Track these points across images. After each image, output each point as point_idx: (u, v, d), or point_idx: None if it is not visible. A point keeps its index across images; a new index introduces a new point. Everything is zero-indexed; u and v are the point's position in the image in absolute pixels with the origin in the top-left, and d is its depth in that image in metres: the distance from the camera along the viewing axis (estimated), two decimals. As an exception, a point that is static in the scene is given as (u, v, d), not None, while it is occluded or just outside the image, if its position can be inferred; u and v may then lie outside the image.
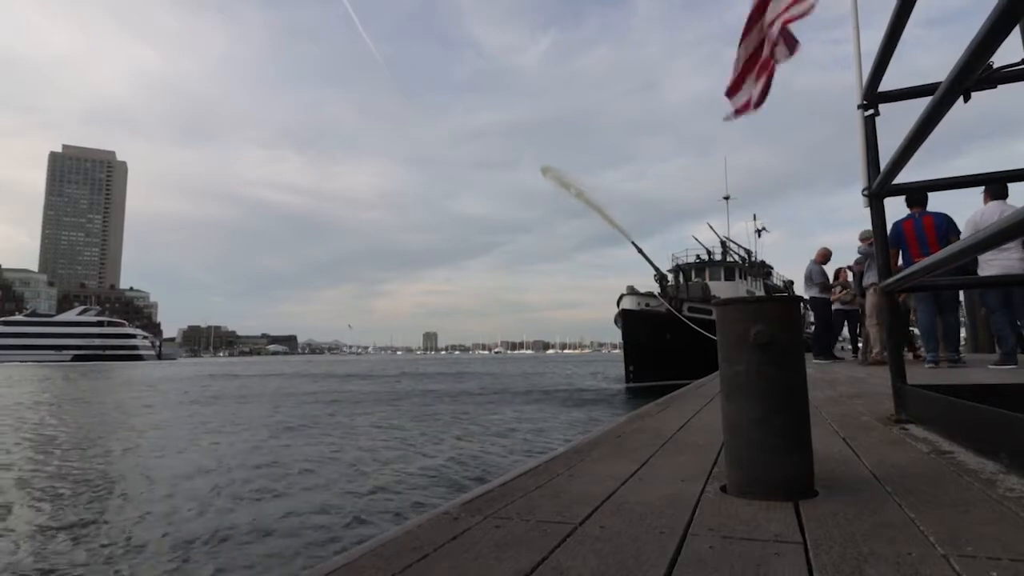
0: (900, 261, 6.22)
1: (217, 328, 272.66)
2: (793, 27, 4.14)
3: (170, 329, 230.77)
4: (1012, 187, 5.81)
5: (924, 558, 1.01)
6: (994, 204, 5.78)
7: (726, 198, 36.42)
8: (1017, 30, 1.89)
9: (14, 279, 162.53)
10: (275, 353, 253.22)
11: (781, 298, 1.56)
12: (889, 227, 6.53)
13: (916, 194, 6.27)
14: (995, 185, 5.82)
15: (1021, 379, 3.94)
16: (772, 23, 4.15)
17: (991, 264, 5.77)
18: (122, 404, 15.96)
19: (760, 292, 26.98)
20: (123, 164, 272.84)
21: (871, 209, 2.54)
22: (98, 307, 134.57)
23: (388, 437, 9.00)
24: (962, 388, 2.35)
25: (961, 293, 7.99)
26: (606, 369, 34.31)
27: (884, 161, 2.32)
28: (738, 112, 4.81)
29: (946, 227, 6.10)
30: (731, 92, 4.80)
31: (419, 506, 4.82)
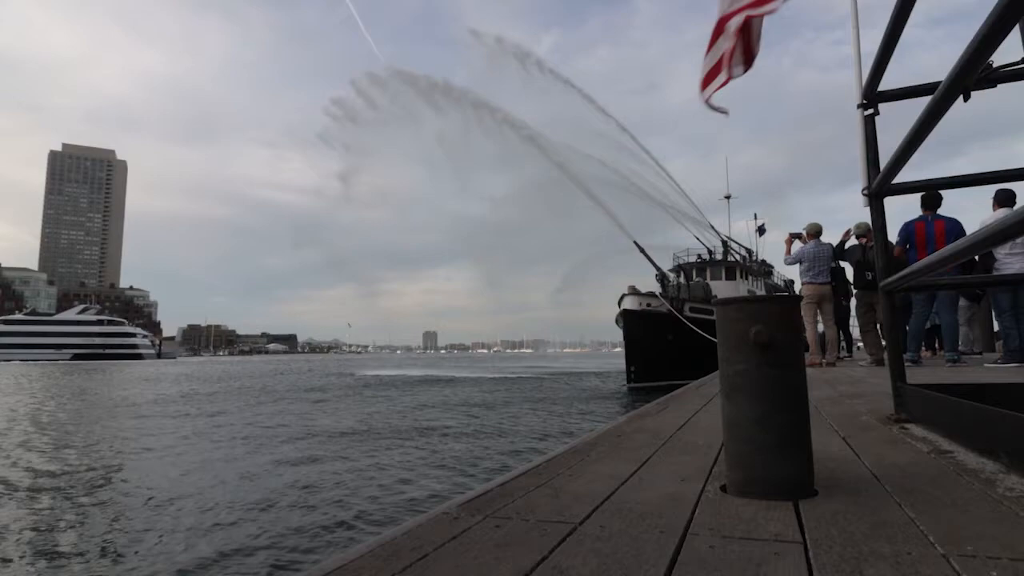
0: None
1: (217, 327, 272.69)
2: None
3: (170, 328, 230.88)
4: (1011, 188, 5.84)
5: (924, 557, 1.01)
6: (1002, 212, 5.83)
7: (727, 197, 36.44)
8: (1017, 29, 1.89)
9: (14, 278, 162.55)
10: (275, 352, 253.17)
11: (781, 298, 1.56)
12: (900, 226, 6.63)
13: (932, 197, 6.35)
14: (1003, 193, 5.90)
15: (1021, 379, 3.94)
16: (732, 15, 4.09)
17: (1009, 266, 5.88)
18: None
19: (761, 292, 26.98)
20: (123, 163, 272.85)
21: (871, 209, 2.54)
22: (98, 306, 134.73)
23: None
24: (962, 388, 2.35)
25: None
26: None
27: (884, 160, 2.32)
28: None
29: (957, 233, 6.17)
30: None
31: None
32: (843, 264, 8.66)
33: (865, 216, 2.60)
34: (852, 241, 8.41)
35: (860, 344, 10.19)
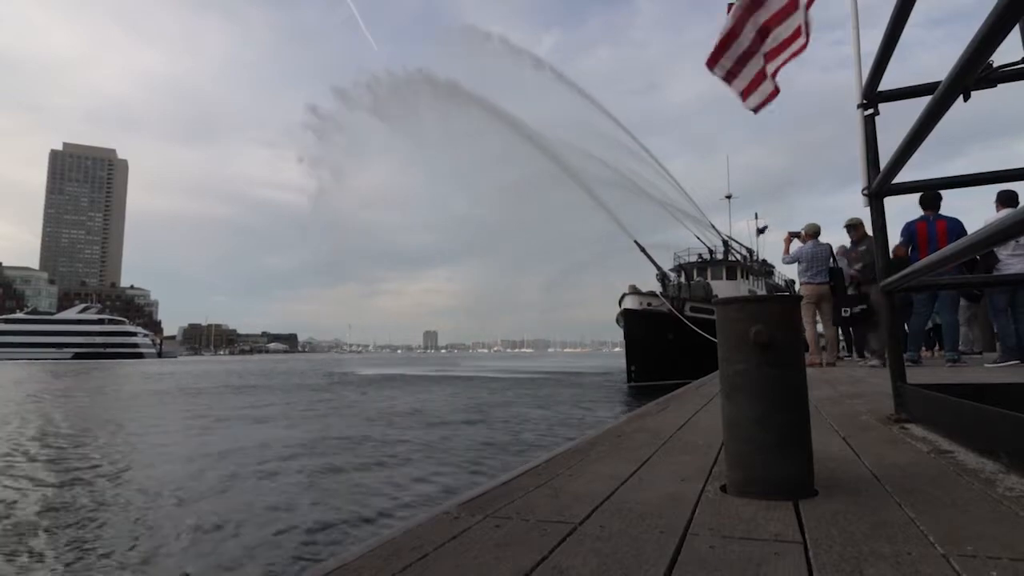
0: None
1: (218, 326, 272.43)
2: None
3: (171, 327, 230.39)
4: (1012, 187, 5.85)
5: (924, 557, 1.01)
6: (1005, 212, 5.84)
7: (728, 197, 36.43)
8: (1017, 29, 1.89)
9: (15, 277, 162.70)
10: (276, 352, 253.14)
11: (781, 298, 1.56)
12: (902, 226, 6.60)
13: (931, 197, 6.34)
14: (1006, 194, 5.91)
15: (1021, 379, 3.94)
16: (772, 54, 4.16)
17: (1011, 266, 5.90)
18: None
19: (762, 292, 26.96)
20: (124, 162, 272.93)
21: (871, 209, 2.54)
22: (99, 305, 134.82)
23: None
24: (962, 388, 2.35)
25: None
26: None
27: (884, 161, 2.32)
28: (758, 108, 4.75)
29: (958, 233, 6.17)
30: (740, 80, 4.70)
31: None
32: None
33: (866, 216, 2.60)
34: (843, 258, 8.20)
35: None
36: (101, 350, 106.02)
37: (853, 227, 7.59)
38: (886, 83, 2.41)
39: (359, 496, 5.33)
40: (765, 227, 33.93)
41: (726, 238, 28.34)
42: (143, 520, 4.74)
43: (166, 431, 10.12)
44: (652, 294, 20.62)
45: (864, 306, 7.15)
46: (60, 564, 3.87)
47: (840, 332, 9.59)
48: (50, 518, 4.90)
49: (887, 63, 2.31)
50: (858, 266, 7.34)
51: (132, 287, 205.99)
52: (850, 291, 7.46)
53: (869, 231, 5.34)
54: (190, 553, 3.99)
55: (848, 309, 7.33)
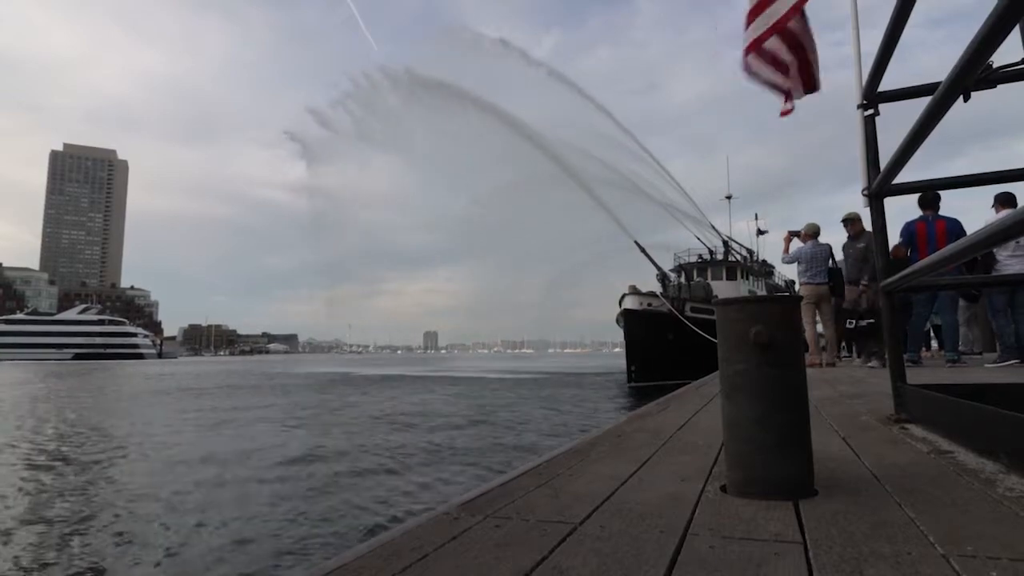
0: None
1: (218, 327, 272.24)
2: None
3: (171, 328, 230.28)
4: (1012, 187, 5.86)
5: (924, 557, 1.01)
6: (1004, 214, 5.84)
7: (728, 198, 36.45)
8: (1017, 29, 1.89)
9: (15, 277, 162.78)
10: (276, 352, 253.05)
11: (781, 298, 1.56)
12: (901, 226, 6.57)
13: (929, 196, 6.33)
14: (1003, 195, 5.91)
15: (1021, 379, 3.94)
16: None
17: (1010, 267, 5.91)
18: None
19: (762, 292, 26.96)
20: (124, 163, 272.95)
21: (871, 209, 2.54)
22: (99, 306, 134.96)
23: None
24: (962, 388, 2.35)
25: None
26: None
27: (884, 161, 2.32)
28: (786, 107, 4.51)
29: (957, 233, 6.16)
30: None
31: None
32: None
33: (865, 215, 2.60)
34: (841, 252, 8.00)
35: None
36: (101, 351, 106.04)
37: (850, 221, 7.53)
38: (886, 83, 2.41)
39: (374, 496, 5.33)
40: (766, 231, 33.97)
41: (726, 238, 28.37)
42: (165, 522, 4.76)
43: (177, 431, 10.23)
44: (652, 294, 20.63)
45: (872, 320, 6.95)
46: (83, 565, 3.89)
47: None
48: (74, 519, 4.91)
49: (887, 63, 2.31)
50: (865, 279, 7.09)
51: (132, 288, 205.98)
52: (863, 305, 7.18)
53: (868, 229, 5.30)
54: (211, 558, 3.99)
55: (853, 321, 7.22)
